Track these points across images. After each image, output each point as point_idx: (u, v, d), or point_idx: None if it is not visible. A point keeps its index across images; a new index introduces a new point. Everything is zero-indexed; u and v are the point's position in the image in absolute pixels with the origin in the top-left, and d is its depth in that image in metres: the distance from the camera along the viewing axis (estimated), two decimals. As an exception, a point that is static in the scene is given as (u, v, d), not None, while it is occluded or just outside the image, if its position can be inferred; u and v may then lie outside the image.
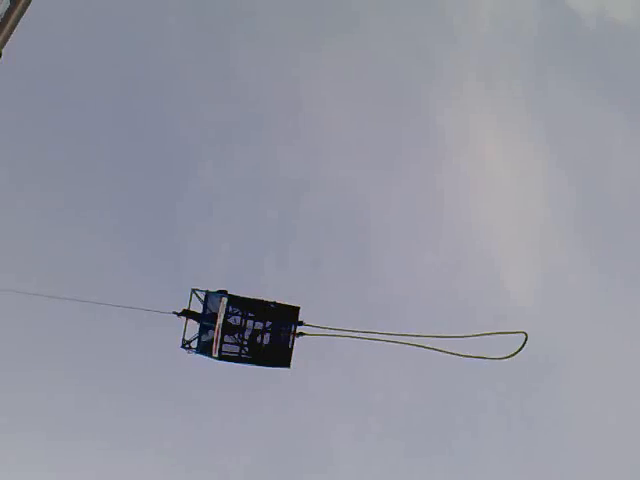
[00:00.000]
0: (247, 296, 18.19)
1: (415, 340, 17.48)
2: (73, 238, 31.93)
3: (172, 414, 32.05)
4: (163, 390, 30.98)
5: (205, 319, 18.66)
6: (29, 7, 15.84)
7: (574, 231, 36.77)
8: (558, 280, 36.27)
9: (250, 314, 18.31)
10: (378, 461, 34.26)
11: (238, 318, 18.30)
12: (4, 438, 28.96)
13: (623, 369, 34.40)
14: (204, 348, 18.36)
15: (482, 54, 36.63)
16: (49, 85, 31.27)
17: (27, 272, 28.67)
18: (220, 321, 17.72)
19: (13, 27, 15.83)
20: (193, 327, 19.28)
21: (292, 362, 18.23)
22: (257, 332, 18.27)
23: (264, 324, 18.31)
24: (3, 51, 15.80)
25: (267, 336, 18.36)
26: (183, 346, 19.01)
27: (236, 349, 18.09)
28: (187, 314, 19.00)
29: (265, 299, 18.35)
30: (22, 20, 15.79)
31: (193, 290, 19.09)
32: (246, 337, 18.14)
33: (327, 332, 17.48)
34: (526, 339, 16.98)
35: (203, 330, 18.71)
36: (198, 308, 19.12)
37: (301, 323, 18.10)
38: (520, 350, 16.89)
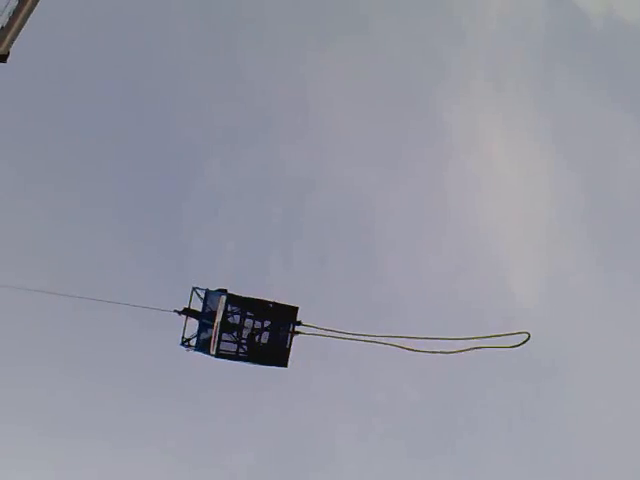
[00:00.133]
0: (246, 295, 18.29)
1: (413, 343, 17.44)
2: (79, 237, 32.14)
3: (175, 413, 32.19)
4: (165, 389, 31.10)
5: (204, 317, 18.79)
6: (37, 6, 15.94)
7: (581, 232, 36.62)
8: (564, 281, 36.13)
9: (249, 313, 18.43)
10: (381, 461, 34.26)
11: (237, 317, 18.43)
12: (7, 436, 29.20)
13: (629, 371, 34.20)
14: (203, 345, 18.54)
15: (490, 53, 36.52)
16: (56, 84, 31.47)
17: (32, 269, 28.87)
18: (219, 319, 17.92)
19: (21, 27, 15.93)
20: (194, 325, 19.44)
21: (290, 362, 18.34)
22: (255, 331, 18.39)
23: (262, 323, 18.41)
24: (11, 50, 15.92)
25: (266, 335, 18.48)
26: (182, 344, 19.18)
27: (234, 347, 18.24)
28: (187, 312, 19.08)
29: (264, 299, 18.46)
30: (30, 19, 15.90)
31: (194, 289, 19.27)
32: (245, 336, 18.24)
33: (322, 332, 17.51)
34: (527, 339, 16.85)
35: (202, 328, 18.91)
36: (199, 307, 19.24)
37: (299, 323, 18.18)
38: (518, 346, 16.75)
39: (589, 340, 34.89)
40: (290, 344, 18.22)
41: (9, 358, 28.27)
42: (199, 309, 19.04)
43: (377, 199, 35.90)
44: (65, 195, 32.30)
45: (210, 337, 18.13)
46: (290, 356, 18.28)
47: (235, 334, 18.29)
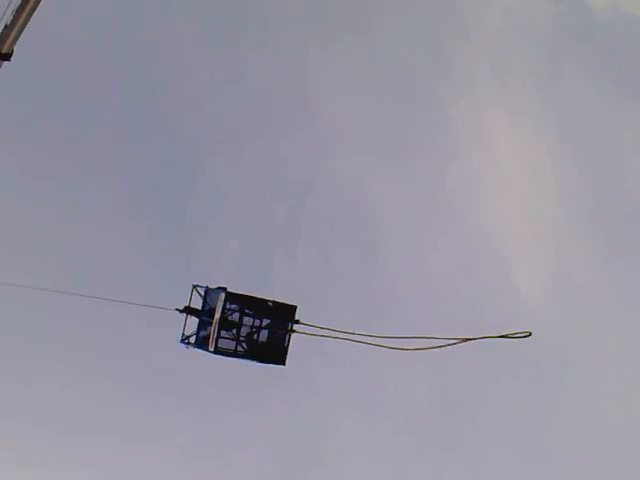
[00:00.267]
0: (245, 293, 18.35)
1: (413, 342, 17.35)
2: (86, 237, 32.27)
3: (180, 410, 32.27)
4: (168, 386, 31.20)
5: (204, 315, 18.93)
6: (40, 4, 15.89)
7: (587, 229, 36.39)
8: (570, 279, 35.93)
9: (248, 311, 18.50)
10: (386, 458, 34.23)
11: (237, 315, 18.51)
12: (16, 432, 29.36)
13: (635, 369, 33.99)
14: (202, 342, 18.69)
15: (495, 49, 36.33)
16: (61, 82, 31.58)
17: (36, 267, 28.99)
18: (217, 316, 18.01)
19: (24, 24, 15.90)
20: (195, 323, 19.50)
21: (289, 360, 18.44)
22: (254, 329, 18.43)
23: (261, 322, 18.46)
24: (15, 49, 15.90)
25: (264, 333, 18.53)
26: (182, 341, 19.33)
27: (233, 345, 18.37)
28: (188, 311, 19.14)
29: (263, 297, 18.56)
30: (34, 17, 15.87)
31: (194, 286, 19.42)
32: (243, 334, 18.31)
33: (318, 332, 17.57)
34: (526, 336, 16.73)
35: (202, 325, 19.10)
36: (200, 304, 19.33)
37: (297, 322, 18.20)
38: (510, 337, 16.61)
39: (595, 338, 34.73)
40: (288, 343, 18.28)
41: (14, 356, 28.46)
42: (200, 307, 19.12)
43: (381, 196, 35.88)
44: (68, 193, 32.44)
45: (209, 334, 18.24)
46: (288, 354, 18.38)
47: (234, 331, 18.37)
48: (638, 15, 35.92)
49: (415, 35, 35.41)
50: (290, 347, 18.25)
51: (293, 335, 18.13)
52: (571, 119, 36.12)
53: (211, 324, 18.32)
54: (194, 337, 19.16)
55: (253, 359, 18.43)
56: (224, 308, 18.02)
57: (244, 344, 18.35)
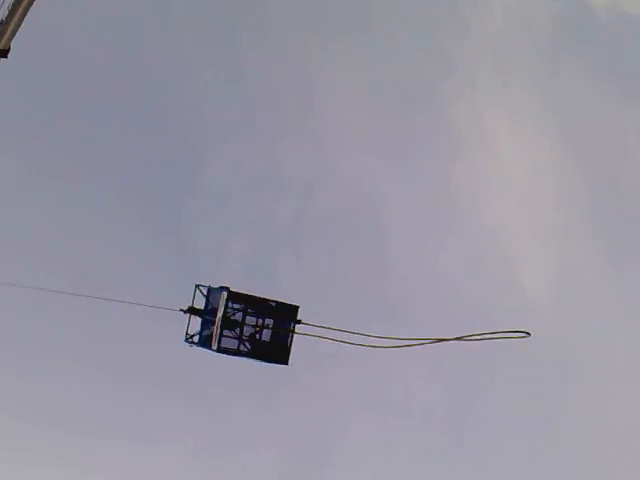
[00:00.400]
0: (247, 293, 18.31)
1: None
2: (91, 237, 32.26)
3: (190, 410, 32.26)
4: (176, 387, 31.18)
5: (207, 314, 18.89)
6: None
7: (590, 229, 36.31)
8: (574, 278, 35.84)
9: (251, 310, 18.44)
10: (396, 457, 34.19)
11: (240, 315, 18.49)
12: (26, 433, 29.36)
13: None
14: (205, 341, 18.66)
15: (496, 47, 36.30)
16: (59, 80, 31.51)
17: (41, 268, 28.97)
18: (220, 315, 18.01)
19: (21, 20, 15.78)
20: (199, 323, 19.52)
21: (291, 359, 18.33)
22: (257, 328, 18.39)
23: (264, 321, 18.41)
24: (12, 45, 15.82)
25: (267, 333, 18.49)
26: (186, 340, 19.33)
27: (236, 344, 18.31)
28: (192, 311, 19.13)
29: (266, 297, 18.50)
30: (30, 13, 15.78)
31: (197, 286, 19.35)
32: (246, 333, 18.29)
33: (315, 333, 17.55)
34: (525, 335, 16.63)
35: (205, 325, 19.04)
36: (203, 304, 19.32)
37: (299, 322, 18.11)
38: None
39: (599, 337, 34.63)
40: (291, 342, 18.20)
41: (25, 356, 28.48)
42: (203, 306, 19.10)
43: (384, 196, 35.83)
44: (71, 193, 32.43)
45: (212, 333, 18.21)
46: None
47: (237, 331, 18.35)
48: (638, 14, 35.89)
49: (416, 34, 35.43)
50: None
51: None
52: (572, 116, 36.07)
53: (214, 323, 18.31)
54: (198, 336, 19.21)
55: (256, 358, 18.36)
56: (226, 307, 17.98)
57: (247, 343, 18.30)
